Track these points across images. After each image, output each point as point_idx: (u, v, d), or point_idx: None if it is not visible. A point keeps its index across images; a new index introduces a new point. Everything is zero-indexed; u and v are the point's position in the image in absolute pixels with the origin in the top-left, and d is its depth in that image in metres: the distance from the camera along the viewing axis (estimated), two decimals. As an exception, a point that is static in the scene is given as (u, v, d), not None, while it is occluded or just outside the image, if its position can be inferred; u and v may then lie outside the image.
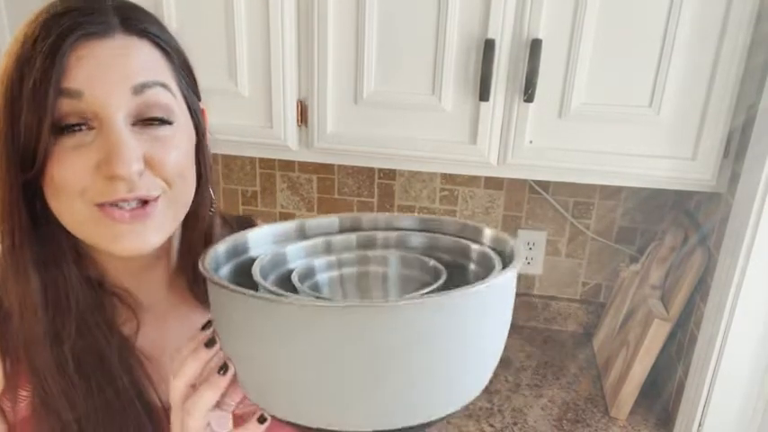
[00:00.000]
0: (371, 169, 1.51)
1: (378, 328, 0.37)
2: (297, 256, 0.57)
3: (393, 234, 0.59)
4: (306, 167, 1.53)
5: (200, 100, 0.66)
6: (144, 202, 0.55)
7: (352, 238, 0.59)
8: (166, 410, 0.60)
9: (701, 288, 1.16)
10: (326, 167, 1.52)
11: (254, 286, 0.47)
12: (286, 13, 1.09)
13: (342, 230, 0.60)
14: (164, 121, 0.56)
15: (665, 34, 0.99)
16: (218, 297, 0.45)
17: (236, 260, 0.54)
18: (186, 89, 0.62)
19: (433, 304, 0.38)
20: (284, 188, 1.57)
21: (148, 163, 0.55)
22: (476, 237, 0.56)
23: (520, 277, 1.53)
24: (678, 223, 1.30)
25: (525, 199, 1.46)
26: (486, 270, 0.51)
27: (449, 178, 1.48)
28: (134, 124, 0.55)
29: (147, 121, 0.55)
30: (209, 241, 0.67)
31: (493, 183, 1.46)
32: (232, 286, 0.42)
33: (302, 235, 0.59)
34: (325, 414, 0.39)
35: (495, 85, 1.06)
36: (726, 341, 1.05)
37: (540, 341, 1.50)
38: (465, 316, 0.39)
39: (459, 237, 0.57)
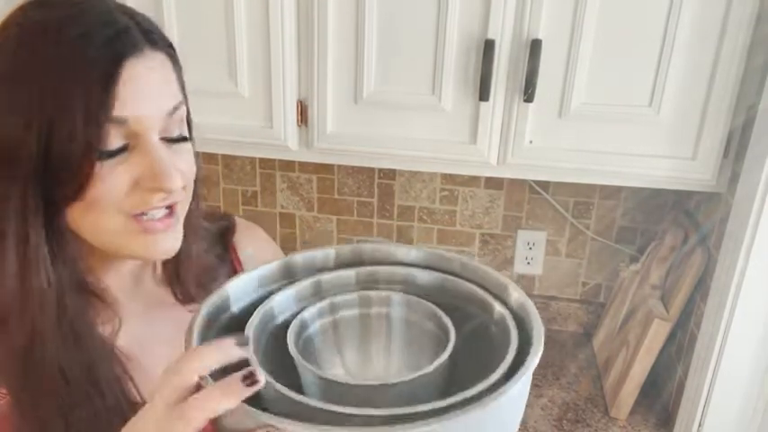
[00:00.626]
0: (371, 169, 1.51)
1: None
2: (285, 308, 0.52)
3: (398, 270, 0.55)
4: (306, 167, 1.53)
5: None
6: (169, 208, 0.59)
7: (351, 275, 0.55)
8: None
9: (701, 288, 1.16)
10: (326, 167, 1.52)
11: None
12: (286, 13, 1.09)
13: (339, 265, 0.56)
14: (184, 136, 0.59)
15: (665, 34, 0.99)
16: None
17: (218, 323, 0.49)
18: (185, 95, 0.63)
19: (451, 424, 0.37)
20: (284, 188, 1.57)
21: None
22: (498, 291, 0.51)
23: (520, 277, 1.53)
24: (678, 223, 1.30)
25: (525, 199, 1.46)
26: (502, 338, 0.47)
27: (449, 178, 1.48)
28: (161, 138, 0.57)
29: (172, 137, 0.58)
30: (191, 237, 0.67)
31: (493, 183, 1.46)
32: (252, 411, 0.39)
33: (289, 274, 0.55)
34: None
35: (495, 85, 1.06)
36: (726, 341, 1.05)
37: (540, 341, 1.50)
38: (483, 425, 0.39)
39: (477, 284, 0.52)
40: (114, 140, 0.53)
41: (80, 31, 0.51)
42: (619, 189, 1.41)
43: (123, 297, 0.65)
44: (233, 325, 0.49)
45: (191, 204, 0.65)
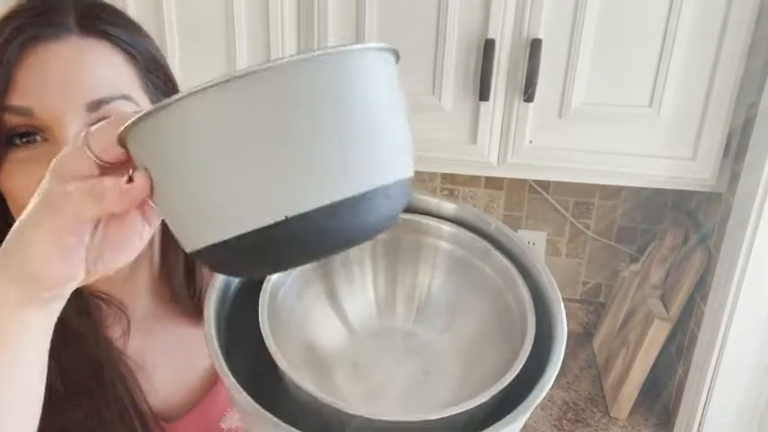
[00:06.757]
0: (371, 169, 1.50)
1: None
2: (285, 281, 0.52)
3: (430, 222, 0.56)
4: (306, 167, 1.53)
5: None
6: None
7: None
8: (157, 420, 0.59)
9: (701, 288, 1.16)
10: (326, 167, 1.52)
11: None
12: (286, 13, 1.09)
13: None
14: None
15: (665, 34, 0.99)
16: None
17: (230, 292, 0.49)
18: (155, 93, 0.56)
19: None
20: (284, 188, 1.57)
21: None
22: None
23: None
24: (678, 223, 1.30)
25: (525, 199, 1.46)
26: (519, 324, 0.49)
27: (449, 178, 1.48)
28: None
29: None
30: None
31: (493, 183, 1.46)
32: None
33: None
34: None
35: (495, 84, 1.06)
36: (726, 341, 1.05)
37: (540, 341, 1.50)
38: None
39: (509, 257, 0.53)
40: (20, 128, 0.48)
41: (7, 14, 0.49)
42: (619, 189, 1.41)
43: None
44: (244, 290, 0.49)
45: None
